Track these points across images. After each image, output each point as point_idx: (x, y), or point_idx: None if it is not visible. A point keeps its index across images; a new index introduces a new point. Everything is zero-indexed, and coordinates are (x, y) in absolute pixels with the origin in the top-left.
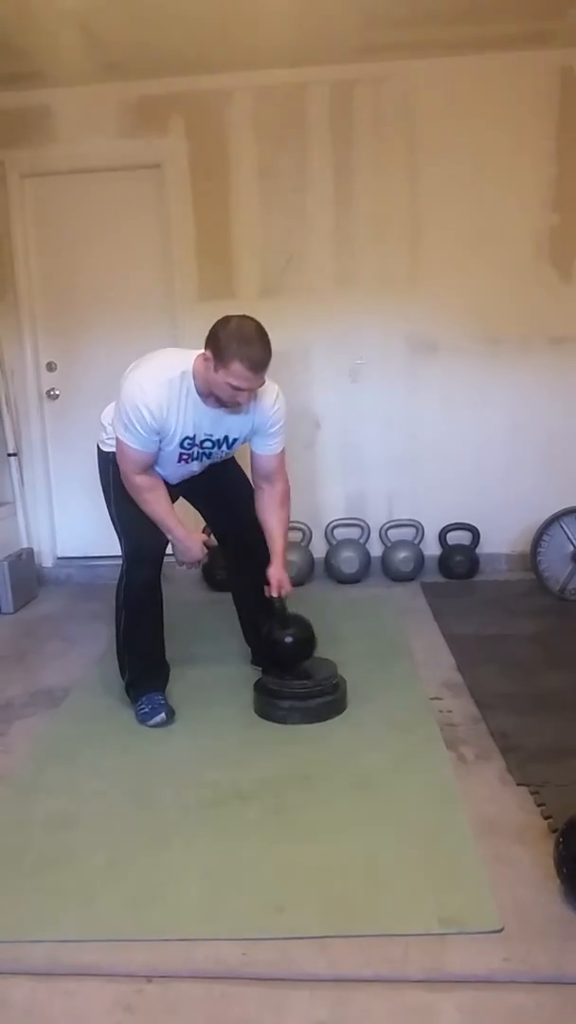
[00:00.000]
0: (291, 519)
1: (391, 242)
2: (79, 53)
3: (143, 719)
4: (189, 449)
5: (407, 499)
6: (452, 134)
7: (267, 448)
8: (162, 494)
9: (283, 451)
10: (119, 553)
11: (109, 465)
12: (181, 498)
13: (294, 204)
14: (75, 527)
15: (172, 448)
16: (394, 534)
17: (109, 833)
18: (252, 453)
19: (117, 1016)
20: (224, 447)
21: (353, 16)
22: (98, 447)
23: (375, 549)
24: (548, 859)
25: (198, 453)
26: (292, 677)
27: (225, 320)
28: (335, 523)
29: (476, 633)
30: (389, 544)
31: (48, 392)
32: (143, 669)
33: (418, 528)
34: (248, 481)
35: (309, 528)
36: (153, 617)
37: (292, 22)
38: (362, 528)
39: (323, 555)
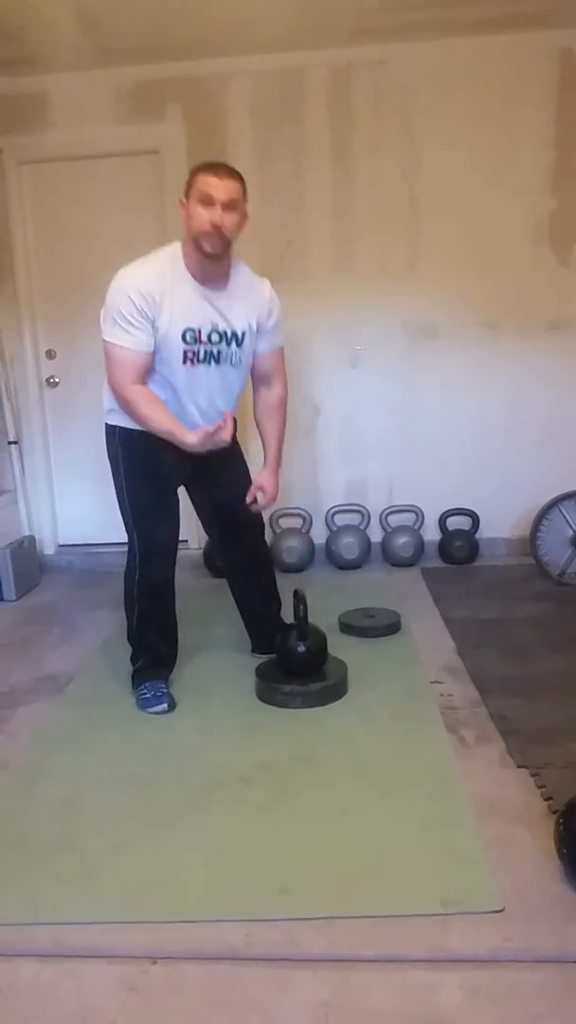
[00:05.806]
0: (290, 506)
1: (390, 227)
2: (75, 38)
3: (143, 705)
4: (193, 345)
5: (407, 485)
6: (450, 117)
7: (267, 345)
8: (160, 403)
9: (282, 349)
10: (125, 541)
11: (115, 440)
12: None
13: (292, 189)
14: (76, 514)
15: (175, 347)
16: (394, 520)
17: (113, 817)
18: (254, 357)
19: (122, 997)
20: (234, 345)
21: None
22: (105, 424)
23: (375, 535)
24: (549, 840)
25: (205, 353)
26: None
27: None
28: (335, 509)
29: (476, 617)
30: (389, 530)
31: (48, 380)
32: (153, 659)
33: (418, 514)
34: None
35: (309, 514)
36: (168, 612)
37: (289, 6)
38: (362, 514)
39: (323, 541)
